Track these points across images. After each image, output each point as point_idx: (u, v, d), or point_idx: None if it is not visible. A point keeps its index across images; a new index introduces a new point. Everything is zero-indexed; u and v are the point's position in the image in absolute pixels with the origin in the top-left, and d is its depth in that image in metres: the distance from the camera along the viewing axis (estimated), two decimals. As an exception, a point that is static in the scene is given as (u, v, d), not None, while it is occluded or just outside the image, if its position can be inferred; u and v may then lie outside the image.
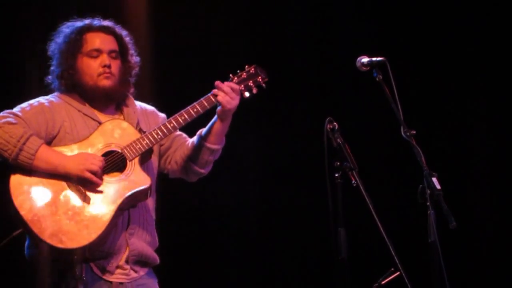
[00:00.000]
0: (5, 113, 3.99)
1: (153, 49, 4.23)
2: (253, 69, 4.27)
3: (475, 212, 6.28)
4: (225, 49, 6.29)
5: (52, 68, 4.19)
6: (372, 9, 6.45)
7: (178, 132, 4.31)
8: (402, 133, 3.94)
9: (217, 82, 4.15)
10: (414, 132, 3.93)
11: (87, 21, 4.20)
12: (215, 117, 4.20)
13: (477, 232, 6.27)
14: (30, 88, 4.51)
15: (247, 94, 4.23)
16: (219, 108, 4.15)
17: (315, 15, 6.55)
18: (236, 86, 4.17)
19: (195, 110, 4.13)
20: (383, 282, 4.28)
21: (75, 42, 4.13)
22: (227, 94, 4.13)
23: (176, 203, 5.81)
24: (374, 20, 6.44)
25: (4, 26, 5.78)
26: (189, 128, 4.29)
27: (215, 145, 4.23)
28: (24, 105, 4.06)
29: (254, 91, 4.25)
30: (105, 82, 4.11)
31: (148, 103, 4.37)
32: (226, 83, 4.17)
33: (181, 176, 4.35)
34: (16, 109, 4.02)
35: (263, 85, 4.27)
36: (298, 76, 6.42)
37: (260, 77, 4.27)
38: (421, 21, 6.38)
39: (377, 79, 4.06)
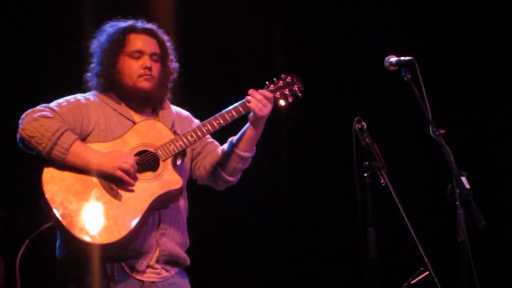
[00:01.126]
0: (41, 106, 4.01)
1: (183, 55, 4.24)
2: (289, 78, 4.28)
3: (504, 212, 6.25)
4: (255, 50, 6.31)
5: (92, 65, 4.21)
6: (401, 8, 6.44)
7: (210, 139, 4.33)
8: (431, 133, 3.93)
9: (251, 90, 4.16)
10: (443, 131, 3.92)
11: (130, 22, 4.22)
12: (248, 124, 4.21)
13: (506, 231, 6.24)
14: (57, 86, 4.54)
15: (282, 102, 4.25)
16: (251, 115, 4.16)
17: (344, 15, 6.55)
18: (269, 94, 4.17)
19: (229, 115, 4.14)
20: (412, 282, 4.28)
21: (118, 42, 4.15)
22: (259, 101, 4.13)
23: (207, 203, 5.83)
24: (403, 19, 6.43)
25: (32, 26, 5.84)
26: (219, 136, 4.30)
27: (246, 152, 4.23)
28: (61, 100, 4.08)
29: (290, 99, 4.26)
30: (145, 84, 4.13)
31: (183, 108, 4.38)
32: (259, 90, 4.18)
33: (209, 183, 4.35)
34: (53, 104, 4.04)
35: (299, 94, 4.28)
36: (327, 76, 6.42)
37: (296, 86, 4.28)
38: (450, 20, 6.36)
39: (405, 78, 4.05)
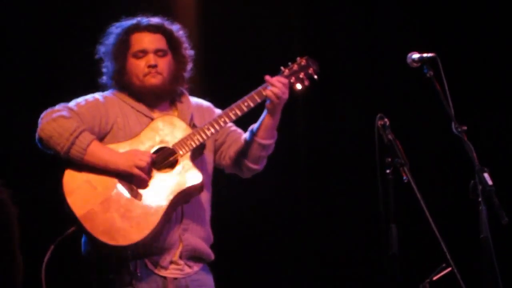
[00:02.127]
0: (60, 106, 4.03)
1: (203, 44, 4.24)
2: (304, 61, 4.26)
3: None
4: (275, 45, 6.31)
5: (104, 69, 4.23)
6: (423, 4, 6.42)
7: (233, 128, 4.32)
8: (453, 129, 3.93)
9: (267, 77, 4.15)
10: (466, 128, 3.92)
11: (134, 21, 4.22)
12: (265, 111, 4.19)
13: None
14: (75, 86, 4.57)
15: (298, 86, 4.22)
16: (268, 102, 4.14)
17: (366, 11, 6.54)
18: (285, 80, 4.15)
19: (245, 104, 4.13)
20: (434, 278, 4.27)
21: (123, 44, 4.16)
22: (276, 87, 4.11)
23: (229, 199, 5.85)
24: (425, 15, 6.41)
25: (51, 26, 5.88)
26: (242, 123, 4.31)
27: (266, 140, 4.21)
28: (80, 100, 4.10)
29: (306, 83, 4.24)
30: (152, 81, 4.12)
31: (205, 98, 4.38)
32: (275, 77, 4.16)
33: (235, 172, 4.34)
34: (71, 104, 4.06)
35: (315, 76, 4.25)
36: (349, 73, 6.42)
37: (311, 69, 4.25)
38: (472, 16, 6.33)
39: (428, 75, 4.05)
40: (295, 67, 4.24)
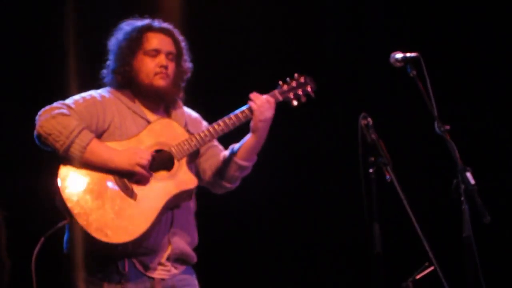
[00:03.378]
0: (58, 104, 4.02)
1: (194, 56, 4.26)
2: (303, 78, 4.33)
3: (509, 207, 6.26)
4: (260, 46, 6.32)
5: (108, 62, 4.23)
6: (406, 4, 6.44)
7: (215, 143, 4.33)
8: (436, 129, 3.95)
9: (253, 94, 4.19)
10: (448, 127, 3.94)
11: (147, 21, 4.24)
12: (250, 132, 4.21)
13: (511, 227, 6.25)
14: (70, 84, 4.56)
15: (295, 103, 4.30)
16: (252, 121, 4.17)
17: (349, 11, 6.56)
18: (271, 99, 4.20)
19: (244, 114, 4.17)
20: (417, 277, 4.29)
21: (135, 40, 4.17)
22: (260, 106, 4.15)
23: (209, 200, 5.86)
24: (408, 15, 6.44)
25: (44, 24, 5.87)
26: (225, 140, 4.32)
27: (245, 161, 4.23)
28: (77, 97, 4.10)
29: (303, 99, 4.31)
30: (160, 82, 4.15)
31: (194, 110, 4.40)
32: (264, 95, 4.20)
33: (207, 186, 4.35)
34: (69, 101, 4.06)
35: (312, 94, 4.32)
36: (332, 72, 6.43)
37: (309, 87, 4.32)
38: (455, 16, 6.36)
39: (411, 74, 4.07)
40: (294, 83, 4.31)
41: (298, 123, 6.45)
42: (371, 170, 3.91)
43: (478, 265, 3.77)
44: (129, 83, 4.18)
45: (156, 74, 4.15)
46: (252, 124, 4.17)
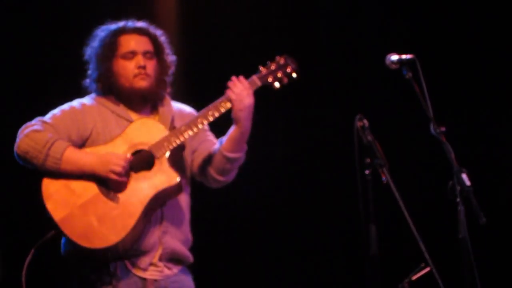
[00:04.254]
0: (35, 121, 4.05)
1: (184, 47, 4.25)
2: (283, 60, 4.22)
3: (504, 208, 6.27)
4: (255, 46, 6.32)
5: (89, 72, 4.22)
6: (402, 6, 6.45)
7: (210, 137, 4.29)
8: (432, 130, 3.96)
9: (231, 79, 4.12)
10: (444, 129, 3.95)
11: (121, 24, 4.22)
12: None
13: (507, 228, 6.25)
14: (63, 91, 4.56)
15: (276, 84, 4.18)
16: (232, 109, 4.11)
17: (345, 13, 6.56)
18: (247, 85, 4.11)
19: (223, 105, 4.09)
20: (413, 278, 4.30)
21: (110, 45, 4.15)
22: (238, 91, 4.07)
23: (207, 202, 5.86)
24: (404, 17, 6.45)
25: (38, 30, 5.88)
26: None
27: (232, 153, 4.13)
28: (55, 111, 4.11)
29: (285, 81, 4.19)
30: (141, 83, 4.13)
31: (186, 101, 4.38)
32: (240, 80, 4.12)
33: (202, 181, 4.29)
34: (46, 116, 4.08)
35: (294, 75, 4.22)
36: (328, 74, 6.44)
37: (290, 67, 4.21)
38: (450, 18, 6.37)
39: (406, 76, 4.07)
40: (273, 66, 4.21)
41: (294, 124, 6.46)
42: (367, 172, 3.91)
43: (474, 266, 3.78)
44: (111, 89, 4.16)
45: (135, 76, 4.12)
46: (232, 114, 4.09)
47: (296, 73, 4.23)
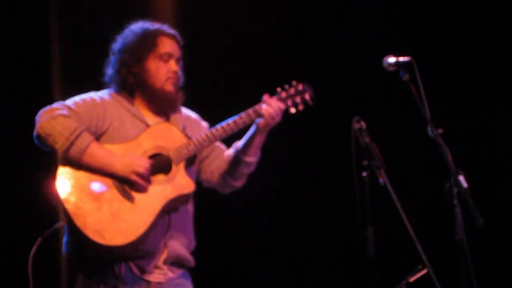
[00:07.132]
0: (59, 104, 4.03)
1: (191, 58, 4.28)
2: (301, 86, 4.31)
3: (502, 210, 6.28)
4: (253, 48, 6.33)
5: (113, 63, 4.21)
6: (399, 8, 6.46)
7: (218, 143, 4.34)
8: (429, 132, 3.96)
9: (265, 96, 4.21)
10: (441, 131, 3.95)
11: (158, 25, 4.25)
12: (253, 130, 4.23)
13: (504, 229, 6.26)
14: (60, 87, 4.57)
15: (293, 110, 4.29)
16: (260, 121, 4.19)
17: (342, 15, 6.57)
18: (282, 105, 4.22)
19: (241, 120, 4.17)
20: (411, 280, 4.31)
21: (149, 43, 4.17)
22: (272, 108, 4.18)
23: (205, 204, 5.87)
24: (402, 19, 6.46)
25: (36, 27, 5.88)
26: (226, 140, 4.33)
27: (252, 157, 4.27)
28: (77, 98, 4.10)
29: (300, 107, 4.30)
30: (171, 88, 4.17)
31: (186, 105, 4.40)
32: (273, 98, 4.22)
33: (216, 187, 4.38)
34: (69, 102, 4.06)
35: (310, 102, 4.32)
36: (326, 76, 6.44)
37: (308, 94, 4.31)
38: (448, 20, 6.38)
39: (404, 78, 4.08)
40: (292, 90, 4.30)
41: (292, 127, 6.45)
42: (364, 174, 3.92)
43: (471, 267, 3.79)
44: (137, 84, 4.18)
45: (168, 79, 4.17)
46: (261, 124, 4.19)
47: (312, 101, 4.33)
